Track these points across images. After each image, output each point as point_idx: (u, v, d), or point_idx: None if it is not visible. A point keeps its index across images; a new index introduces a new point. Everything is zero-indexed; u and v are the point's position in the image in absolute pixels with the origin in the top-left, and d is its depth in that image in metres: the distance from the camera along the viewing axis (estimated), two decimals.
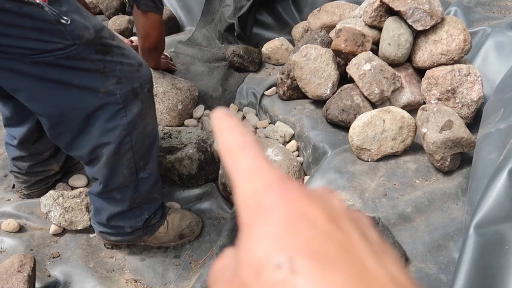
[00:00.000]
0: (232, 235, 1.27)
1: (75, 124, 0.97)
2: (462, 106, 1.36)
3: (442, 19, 1.40)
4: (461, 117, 1.28)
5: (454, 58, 1.38)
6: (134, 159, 1.06)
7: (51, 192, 1.30)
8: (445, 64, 1.39)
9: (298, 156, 1.52)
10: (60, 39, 0.86)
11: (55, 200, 1.28)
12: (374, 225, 0.95)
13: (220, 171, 1.43)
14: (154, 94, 1.61)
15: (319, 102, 1.56)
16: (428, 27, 1.38)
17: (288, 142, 1.55)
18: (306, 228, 0.18)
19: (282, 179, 0.20)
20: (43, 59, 0.86)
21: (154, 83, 1.63)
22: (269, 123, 1.65)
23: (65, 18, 0.85)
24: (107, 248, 1.26)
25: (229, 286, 0.19)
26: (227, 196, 1.41)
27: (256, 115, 1.72)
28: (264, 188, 0.19)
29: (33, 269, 1.07)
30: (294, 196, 0.19)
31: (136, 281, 1.18)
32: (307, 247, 0.17)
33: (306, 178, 1.40)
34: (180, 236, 1.25)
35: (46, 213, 1.28)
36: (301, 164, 1.47)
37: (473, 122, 1.37)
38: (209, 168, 1.47)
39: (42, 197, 1.30)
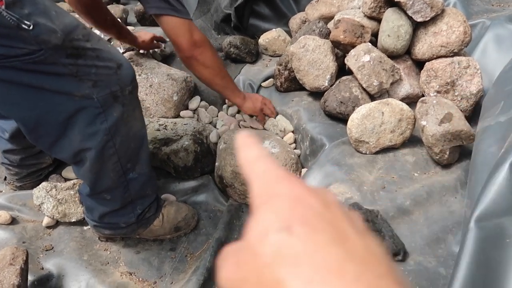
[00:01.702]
0: (228, 228, 1.25)
1: (53, 128, 0.93)
2: (461, 99, 1.34)
3: (442, 11, 1.38)
4: (460, 110, 1.27)
5: (454, 50, 1.37)
6: (121, 163, 1.03)
7: (44, 184, 1.27)
8: (445, 56, 1.38)
9: (295, 148, 1.50)
10: (24, 44, 0.80)
11: (48, 192, 1.25)
12: (373, 219, 0.93)
13: (216, 163, 1.41)
14: (149, 85, 1.59)
15: (317, 94, 1.54)
16: (428, 18, 1.37)
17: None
18: (304, 208, 0.23)
19: (290, 176, 0.25)
20: (10, 64, 0.81)
21: (149, 74, 1.61)
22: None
23: (27, 22, 0.79)
24: (102, 241, 1.24)
25: (237, 253, 0.23)
26: (223, 188, 1.40)
27: None
28: (274, 181, 0.24)
29: (26, 262, 1.04)
30: (297, 187, 0.24)
31: (131, 274, 1.16)
32: (302, 219, 0.22)
33: (304, 170, 1.38)
34: (176, 229, 1.24)
35: (39, 205, 1.26)
36: (298, 156, 1.45)
37: (472, 115, 1.36)
38: (205, 160, 1.45)
39: (34, 189, 1.27)
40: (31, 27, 0.80)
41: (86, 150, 0.97)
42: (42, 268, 1.17)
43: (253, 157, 0.27)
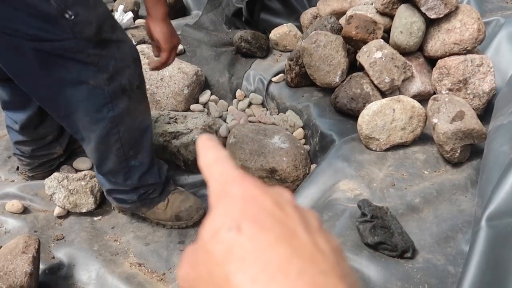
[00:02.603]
0: None
1: (65, 107, 0.98)
2: (473, 97, 1.33)
3: (456, 8, 1.37)
4: (472, 108, 1.26)
5: (467, 48, 1.35)
6: (123, 149, 1.08)
7: (55, 174, 1.29)
8: (458, 54, 1.37)
9: (305, 144, 1.50)
10: (61, 31, 0.86)
11: (60, 182, 1.27)
12: (382, 215, 0.93)
13: None
14: (160, 78, 1.60)
15: (327, 90, 1.53)
16: (442, 15, 1.35)
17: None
18: (255, 207, 0.23)
19: (244, 176, 0.25)
20: (40, 46, 0.87)
21: None
22: (278, 112, 1.64)
23: (69, 12, 0.84)
24: (117, 210, 1.31)
25: (193, 253, 0.24)
26: None
27: (263, 102, 1.70)
28: (229, 182, 0.25)
29: (38, 251, 1.06)
30: (251, 187, 0.25)
31: (140, 265, 1.18)
32: (252, 218, 0.23)
33: (313, 166, 1.38)
34: (177, 218, 1.25)
35: (51, 195, 1.27)
36: (308, 152, 1.45)
37: (484, 113, 1.35)
38: None
39: (46, 179, 1.29)
40: (72, 17, 0.85)
41: (91, 132, 1.02)
42: (53, 257, 1.19)
43: (211, 159, 0.27)
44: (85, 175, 1.31)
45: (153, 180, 1.19)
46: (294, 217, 0.24)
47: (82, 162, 1.46)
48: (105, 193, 1.25)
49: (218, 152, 0.28)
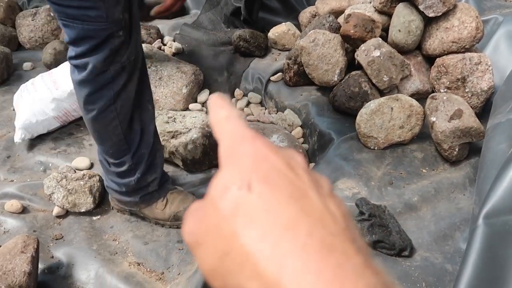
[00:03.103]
0: None
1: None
2: (471, 95, 1.33)
3: (455, 6, 1.37)
4: (471, 107, 1.26)
5: (465, 46, 1.35)
6: (121, 126, 1.08)
7: (54, 174, 1.29)
8: (456, 52, 1.37)
9: (303, 143, 1.50)
10: (96, 12, 0.89)
11: (58, 182, 1.27)
12: (380, 214, 0.93)
13: None
14: (159, 77, 1.60)
15: (325, 89, 1.53)
16: (440, 13, 1.35)
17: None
18: (266, 166, 0.23)
19: (256, 135, 0.25)
20: (73, 23, 0.91)
21: (159, 66, 1.62)
22: (277, 111, 1.64)
23: None
24: (116, 210, 1.29)
25: (201, 209, 0.24)
26: None
27: (261, 101, 1.70)
28: (240, 140, 0.24)
29: (37, 250, 1.06)
30: (262, 147, 0.24)
31: (139, 264, 1.18)
32: (263, 177, 0.22)
33: (311, 165, 1.38)
34: (175, 218, 1.25)
35: (49, 194, 1.27)
36: (307, 151, 1.45)
37: (483, 112, 1.35)
38: (213, 153, 1.45)
39: (45, 179, 1.29)
40: None
41: (90, 109, 1.03)
42: (52, 257, 1.19)
43: (223, 117, 0.27)
44: (83, 174, 1.31)
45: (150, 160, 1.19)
46: (305, 179, 0.23)
47: (81, 162, 1.46)
48: (105, 185, 1.25)
49: (230, 110, 0.27)
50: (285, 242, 0.20)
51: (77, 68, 0.98)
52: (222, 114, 0.27)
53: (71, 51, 0.96)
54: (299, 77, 1.60)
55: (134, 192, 1.21)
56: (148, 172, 1.19)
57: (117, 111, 1.03)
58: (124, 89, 1.02)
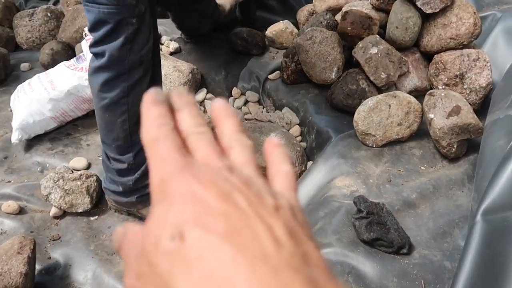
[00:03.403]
0: None
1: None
2: (470, 92, 1.33)
3: (452, 2, 1.36)
4: (469, 103, 1.25)
5: (463, 43, 1.35)
6: (129, 122, 1.09)
7: (51, 174, 1.28)
8: (454, 48, 1.36)
9: (301, 141, 1.49)
10: None
11: (55, 182, 1.26)
12: (378, 211, 0.92)
13: None
14: None
15: (323, 87, 1.53)
16: (438, 10, 1.35)
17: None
18: (195, 205, 0.21)
19: (185, 167, 0.23)
20: (90, 7, 0.98)
21: None
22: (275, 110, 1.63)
23: None
24: (113, 210, 1.29)
25: (138, 259, 0.23)
26: None
27: (259, 99, 1.69)
28: (168, 177, 0.23)
29: (33, 251, 1.06)
30: (190, 181, 0.22)
31: None
32: (194, 220, 0.21)
33: (309, 163, 1.38)
34: None
35: (47, 195, 1.27)
36: (304, 149, 1.45)
37: (481, 108, 1.34)
38: None
39: (42, 179, 1.28)
40: None
41: (104, 97, 1.06)
42: (50, 258, 1.18)
43: (153, 138, 0.25)
44: (81, 175, 1.30)
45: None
46: (241, 204, 0.21)
47: (78, 162, 1.46)
48: (103, 186, 1.25)
49: (161, 127, 0.25)
50: None
51: (96, 55, 1.03)
52: (152, 134, 0.25)
53: (92, 39, 1.02)
54: (297, 75, 1.59)
55: (131, 192, 1.20)
56: (147, 175, 1.18)
57: (128, 105, 1.06)
58: (138, 85, 1.06)
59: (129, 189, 1.19)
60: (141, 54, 1.03)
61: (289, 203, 0.23)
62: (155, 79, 1.13)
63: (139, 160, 1.15)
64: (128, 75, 1.03)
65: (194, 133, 0.26)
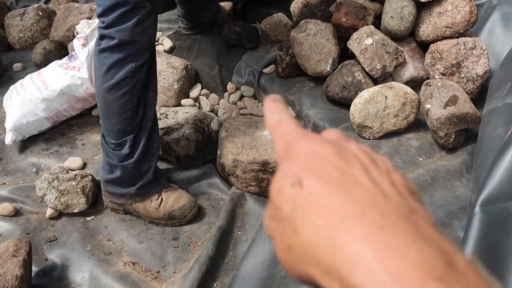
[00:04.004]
0: (231, 216, 1.24)
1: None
2: (467, 81, 1.31)
3: None
4: (466, 92, 1.23)
5: (459, 31, 1.33)
6: (131, 103, 1.12)
7: (45, 175, 1.27)
8: (450, 37, 1.34)
9: None
10: None
11: (50, 183, 1.25)
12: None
13: (218, 152, 1.40)
14: None
15: (319, 79, 1.51)
16: None
17: None
18: (315, 160, 0.25)
19: (305, 133, 0.28)
20: None
21: None
22: None
23: None
24: (110, 209, 1.28)
25: (268, 211, 0.27)
26: (225, 177, 1.38)
27: (255, 93, 1.68)
28: (291, 143, 0.27)
29: (29, 253, 1.05)
30: (311, 143, 0.26)
31: (134, 264, 1.16)
32: (313, 171, 0.24)
33: None
34: (170, 216, 1.23)
35: (42, 196, 1.26)
36: None
37: (478, 97, 1.33)
38: (207, 148, 1.43)
39: (37, 181, 1.27)
40: None
41: (110, 77, 1.10)
42: (46, 259, 1.17)
43: (276, 121, 0.30)
44: (76, 175, 1.29)
45: (153, 150, 1.21)
46: (355, 164, 0.25)
47: (73, 162, 1.44)
48: (101, 180, 1.26)
49: (281, 114, 0.31)
50: (335, 229, 0.22)
51: (107, 37, 1.07)
52: (274, 119, 0.30)
53: (101, 23, 1.07)
54: (292, 68, 1.57)
55: (131, 180, 1.20)
56: (145, 158, 1.20)
57: (132, 84, 1.10)
58: (143, 67, 1.11)
59: (128, 173, 1.19)
60: (150, 37, 1.09)
61: (400, 173, 0.26)
62: (153, 64, 1.18)
63: (136, 143, 1.17)
64: (138, 55, 1.08)
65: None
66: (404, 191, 0.24)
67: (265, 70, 1.66)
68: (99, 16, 1.07)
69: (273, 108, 0.31)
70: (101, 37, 1.09)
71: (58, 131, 1.58)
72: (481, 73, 1.29)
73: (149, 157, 1.21)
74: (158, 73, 1.58)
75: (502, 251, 0.73)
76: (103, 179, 1.25)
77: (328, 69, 1.44)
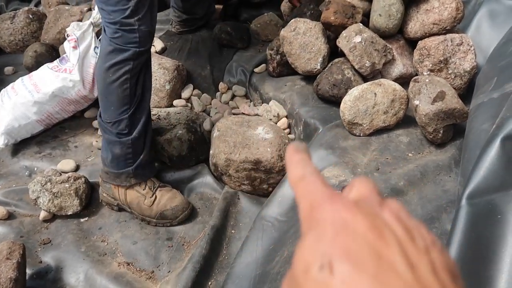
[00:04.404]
0: (224, 215, 1.26)
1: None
2: (455, 76, 1.33)
3: None
4: (454, 88, 1.25)
5: (447, 28, 1.34)
6: (130, 82, 1.16)
7: (38, 178, 1.28)
8: (437, 34, 1.36)
9: (289, 133, 1.49)
10: None
11: (43, 186, 1.25)
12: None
13: (210, 151, 1.40)
14: None
15: (309, 78, 1.52)
16: None
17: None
18: (347, 236, 0.22)
19: (333, 195, 0.24)
20: None
21: None
22: (262, 103, 1.62)
23: None
24: (104, 203, 1.31)
25: (289, 280, 0.24)
26: (218, 176, 1.39)
27: (246, 93, 1.69)
28: (317, 204, 0.24)
29: (23, 256, 1.05)
30: (341, 209, 0.23)
31: (129, 264, 1.17)
32: (345, 253, 0.21)
33: None
34: (162, 215, 1.25)
35: (35, 199, 1.26)
36: (293, 141, 1.44)
37: (466, 93, 1.35)
38: (199, 148, 1.44)
39: (30, 183, 1.27)
40: None
41: (109, 59, 1.15)
42: (41, 262, 1.18)
43: (299, 176, 0.27)
44: (68, 177, 1.30)
45: (148, 140, 1.26)
46: (391, 241, 0.22)
47: (66, 164, 1.45)
48: (101, 158, 1.29)
49: (305, 167, 0.27)
50: None
51: (109, 24, 1.13)
52: (298, 173, 0.27)
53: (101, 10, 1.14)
54: (283, 67, 1.58)
55: (128, 158, 1.23)
56: (142, 136, 1.24)
57: (132, 66, 1.15)
58: (146, 53, 1.17)
59: (128, 148, 1.22)
60: (148, 25, 1.13)
61: (439, 249, 0.23)
62: (149, 60, 1.23)
63: (134, 121, 1.21)
64: (139, 43, 1.13)
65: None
66: (445, 276, 0.22)
67: (256, 70, 1.68)
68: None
69: (296, 160, 0.28)
70: (105, 24, 1.15)
71: (50, 134, 1.58)
72: (469, 69, 1.31)
73: (146, 136, 1.25)
74: None
75: (488, 242, 0.74)
76: (102, 160, 1.28)
77: (318, 67, 1.45)
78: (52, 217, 1.29)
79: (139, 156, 1.24)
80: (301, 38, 1.44)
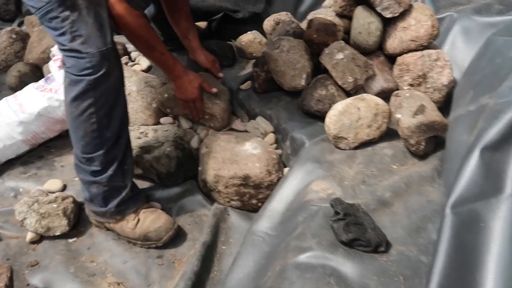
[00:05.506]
0: (214, 231, 1.26)
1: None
2: (433, 90, 1.38)
3: (410, 6, 1.42)
4: (433, 102, 1.31)
5: (423, 44, 1.41)
6: (97, 116, 1.11)
7: (25, 198, 1.26)
8: (415, 50, 1.42)
9: (276, 148, 1.52)
10: None
11: (30, 206, 1.24)
12: (354, 212, 0.94)
13: (199, 168, 1.42)
14: (128, 93, 1.58)
15: (294, 94, 1.56)
16: (397, 14, 1.40)
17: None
18: None
19: None
20: (37, 13, 1.07)
21: (127, 82, 1.60)
22: (249, 120, 1.65)
23: None
24: (94, 225, 1.29)
25: None
26: (207, 192, 1.40)
27: (233, 110, 1.71)
28: None
29: (10, 279, 1.04)
30: None
31: (119, 284, 1.16)
32: None
33: (286, 170, 1.40)
34: (145, 237, 1.23)
35: (22, 220, 1.24)
36: (280, 156, 1.47)
37: (445, 106, 1.40)
38: (188, 165, 1.45)
39: (16, 204, 1.26)
40: None
41: (71, 91, 1.10)
42: (28, 285, 1.16)
43: None
44: (56, 197, 1.28)
45: (121, 161, 1.20)
46: None
47: (53, 184, 1.43)
48: (83, 199, 1.26)
49: None
50: None
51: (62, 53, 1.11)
52: None
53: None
54: (268, 83, 1.62)
55: (108, 197, 1.20)
56: (119, 174, 1.20)
57: (95, 98, 1.09)
58: (105, 78, 1.09)
59: (104, 187, 1.19)
60: (98, 46, 1.06)
61: None
62: (120, 80, 1.18)
63: (110, 159, 1.17)
64: (92, 68, 1.06)
65: None
66: None
67: (242, 86, 1.70)
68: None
69: None
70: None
71: (36, 154, 1.57)
72: (446, 83, 1.37)
73: (123, 174, 1.21)
74: (136, 93, 1.60)
75: (471, 249, 0.78)
76: (83, 199, 1.26)
77: (303, 83, 1.49)
78: (40, 238, 1.27)
79: (120, 193, 1.21)
80: (285, 56, 1.48)
